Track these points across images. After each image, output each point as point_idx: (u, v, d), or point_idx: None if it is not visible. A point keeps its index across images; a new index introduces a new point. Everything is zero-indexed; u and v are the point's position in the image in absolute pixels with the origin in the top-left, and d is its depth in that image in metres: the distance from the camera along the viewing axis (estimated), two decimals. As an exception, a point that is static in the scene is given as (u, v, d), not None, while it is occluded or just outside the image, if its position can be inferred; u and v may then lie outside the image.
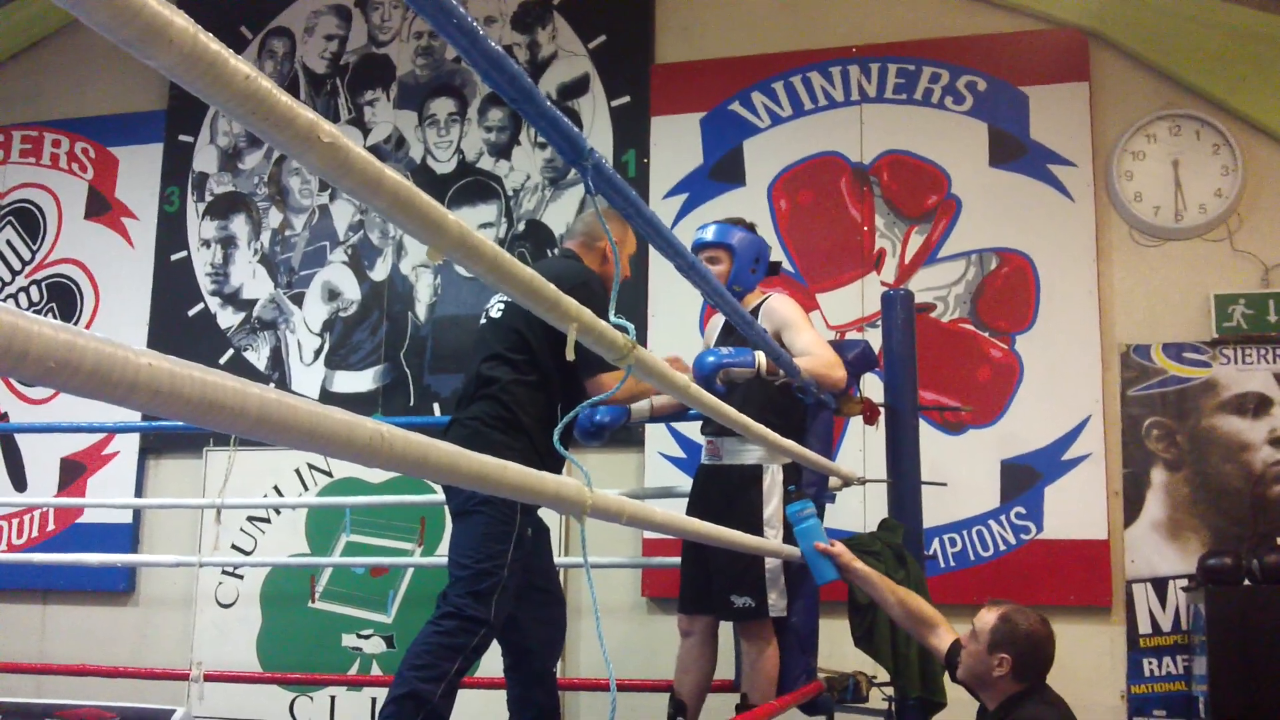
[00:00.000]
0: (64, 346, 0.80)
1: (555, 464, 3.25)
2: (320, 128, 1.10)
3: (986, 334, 5.47)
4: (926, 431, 4.73)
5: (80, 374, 0.82)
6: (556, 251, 3.69)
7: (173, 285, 6.56)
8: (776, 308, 3.85)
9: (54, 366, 0.80)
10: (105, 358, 0.83)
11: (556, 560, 3.88)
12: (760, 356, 3.53)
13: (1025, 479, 5.29)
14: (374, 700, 5.74)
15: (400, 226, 1.33)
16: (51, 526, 6.45)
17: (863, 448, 5.22)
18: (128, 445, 6.38)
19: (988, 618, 3.03)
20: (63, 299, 6.74)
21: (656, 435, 5.60)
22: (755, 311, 3.83)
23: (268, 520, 6.09)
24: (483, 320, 3.57)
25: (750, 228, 3.94)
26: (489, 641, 3.20)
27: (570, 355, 1.75)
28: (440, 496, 5.45)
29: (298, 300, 6.36)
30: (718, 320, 4.11)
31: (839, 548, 3.52)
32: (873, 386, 4.69)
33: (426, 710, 3.01)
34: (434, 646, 3.08)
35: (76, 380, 0.82)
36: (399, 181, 1.25)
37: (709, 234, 3.89)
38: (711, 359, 3.53)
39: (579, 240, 3.70)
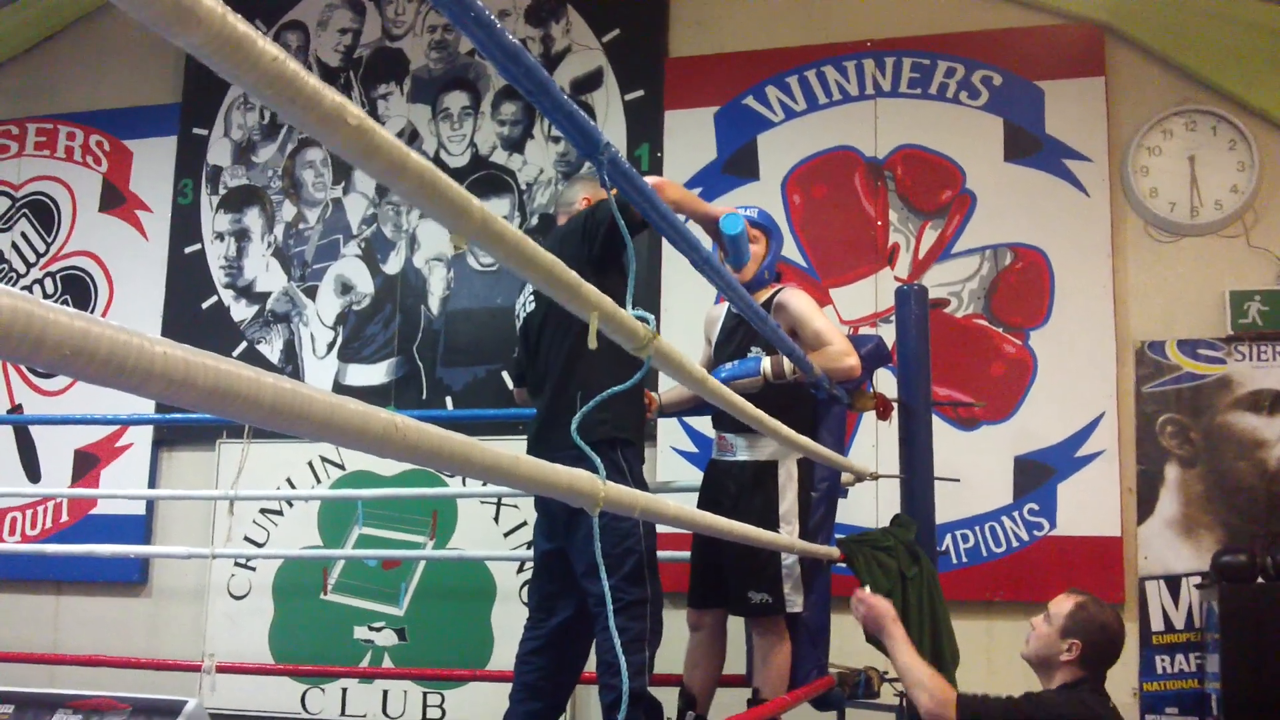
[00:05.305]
0: (79, 334, 0.80)
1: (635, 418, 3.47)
2: (348, 109, 1.09)
3: (1000, 330, 5.45)
4: (940, 427, 4.72)
5: (95, 361, 0.81)
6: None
7: (186, 278, 6.57)
8: (789, 302, 3.81)
9: (69, 354, 0.79)
10: (120, 345, 0.83)
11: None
12: (765, 364, 3.54)
13: (1038, 475, 5.28)
14: (385, 692, 5.76)
15: (424, 210, 1.33)
16: (65, 518, 6.47)
17: (875, 443, 5.20)
18: (141, 437, 6.40)
19: (1065, 603, 3.10)
20: (77, 291, 6.75)
21: (669, 429, 5.59)
22: (767, 305, 3.81)
23: (280, 513, 6.10)
24: None
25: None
26: (660, 613, 3.33)
27: (593, 344, 1.73)
28: (452, 490, 5.50)
29: (311, 293, 6.37)
30: (719, 309, 4.10)
31: (883, 605, 3.40)
32: (886, 382, 4.67)
33: (645, 702, 3.23)
34: (621, 645, 3.17)
35: (91, 368, 0.82)
36: (424, 165, 1.25)
37: (753, 212, 3.94)
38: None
39: (581, 200, 3.89)
